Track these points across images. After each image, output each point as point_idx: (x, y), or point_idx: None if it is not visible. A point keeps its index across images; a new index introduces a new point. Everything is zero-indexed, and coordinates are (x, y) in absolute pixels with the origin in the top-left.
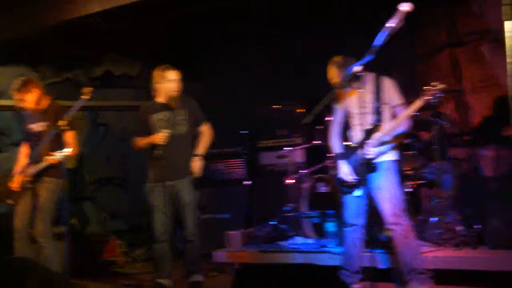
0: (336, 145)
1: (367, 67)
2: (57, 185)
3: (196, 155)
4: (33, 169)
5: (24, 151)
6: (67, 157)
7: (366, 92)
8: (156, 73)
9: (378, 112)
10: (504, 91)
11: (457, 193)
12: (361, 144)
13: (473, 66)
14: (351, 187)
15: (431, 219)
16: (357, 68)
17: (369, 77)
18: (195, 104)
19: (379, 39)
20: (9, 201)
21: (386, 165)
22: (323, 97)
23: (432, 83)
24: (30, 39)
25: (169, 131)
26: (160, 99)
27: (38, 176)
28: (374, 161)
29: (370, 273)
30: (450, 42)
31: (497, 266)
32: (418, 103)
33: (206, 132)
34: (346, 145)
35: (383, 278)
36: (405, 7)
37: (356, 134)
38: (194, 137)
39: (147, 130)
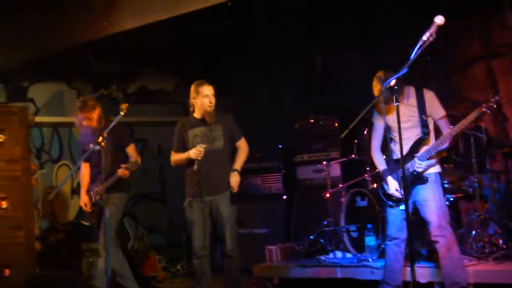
0: (379, 160)
1: (406, 81)
2: (123, 199)
3: (234, 170)
4: (106, 185)
5: (85, 171)
6: (137, 167)
7: (409, 105)
8: (192, 88)
9: (424, 125)
10: None
11: (497, 206)
12: (408, 157)
13: (509, 77)
14: (398, 201)
15: (472, 232)
16: (393, 81)
17: (411, 91)
18: (231, 119)
19: (414, 52)
20: (85, 223)
21: (432, 177)
22: (359, 111)
23: (488, 96)
24: (65, 55)
25: (206, 146)
26: (197, 114)
27: (106, 192)
28: (423, 173)
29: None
30: (485, 54)
31: None
32: (472, 115)
33: (242, 147)
34: (391, 159)
35: None
36: (439, 20)
37: (398, 149)
38: (231, 152)
39: (184, 145)
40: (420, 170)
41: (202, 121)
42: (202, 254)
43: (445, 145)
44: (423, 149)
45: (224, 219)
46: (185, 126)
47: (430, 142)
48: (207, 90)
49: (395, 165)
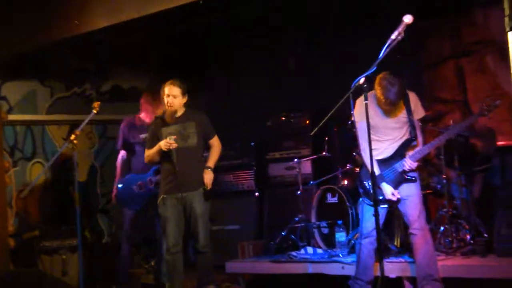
0: (368, 160)
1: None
2: None
3: (208, 168)
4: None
5: (124, 161)
6: None
7: (396, 108)
8: (161, 87)
9: (412, 125)
10: (509, 100)
11: (465, 202)
12: (397, 157)
13: (478, 76)
14: (385, 202)
15: (440, 228)
16: (360, 80)
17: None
18: (204, 118)
19: (383, 51)
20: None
21: (415, 176)
22: (330, 109)
23: (487, 100)
24: (38, 54)
25: (175, 137)
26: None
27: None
28: (410, 172)
29: (381, 282)
30: (455, 53)
31: (505, 274)
32: (471, 119)
33: (215, 145)
34: (379, 159)
35: (396, 285)
36: (407, 19)
37: (385, 148)
38: (204, 150)
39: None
40: (408, 169)
41: (176, 120)
42: (175, 251)
43: (435, 145)
44: (416, 149)
45: (197, 215)
46: (158, 124)
47: (420, 145)
48: (167, 90)
49: (385, 165)
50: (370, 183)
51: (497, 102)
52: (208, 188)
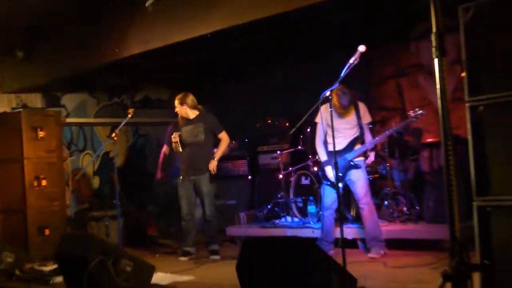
0: (322, 152)
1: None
2: None
3: (213, 158)
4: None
5: (165, 152)
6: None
7: (347, 112)
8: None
9: (360, 127)
10: (434, 108)
11: (402, 183)
12: (347, 150)
13: (412, 91)
14: (334, 183)
15: (385, 202)
16: (328, 92)
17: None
18: (212, 118)
19: (343, 71)
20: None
21: (361, 164)
22: (304, 114)
23: (414, 109)
24: (88, 73)
25: (180, 133)
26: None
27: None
28: (355, 162)
29: (341, 242)
30: (395, 74)
31: (431, 235)
32: (403, 124)
33: (223, 138)
34: (331, 151)
35: (350, 246)
36: (361, 48)
37: (339, 143)
38: (215, 143)
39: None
40: (353, 159)
41: (189, 122)
42: (188, 219)
43: (376, 143)
44: (358, 146)
45: (204, 193)
46: (177, 126)
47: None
48: (175, 101)
49: (331, 154)
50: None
51: (422, 112)
52: (213, 173)
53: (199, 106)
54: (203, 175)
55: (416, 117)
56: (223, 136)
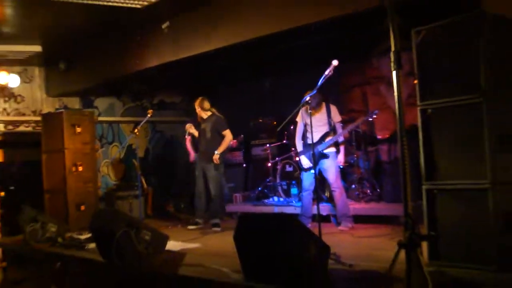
0: (299, 145)
1: (320, 98)
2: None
3: (216, 152)
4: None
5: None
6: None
7: (322, 113)
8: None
9: (330, 124)
10: (393, 112)
11: (366, 170)
12: (318, 143)
13: (375, 97)
14: (309, 169)
15: (352, 185)
16: (308, 98)
17: (324, 105)
18: (219, 119)
19: (320, 81)
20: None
21: (332, 154)
22: (287, 115)
23: (369, 112)
24: (115, 81)
25: (190, 125)
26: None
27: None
28: (326, 152)
29: (317, 218)
30: (361, 83)
31: (389, 212)
32: (359, 121)
33: (226, 136)
34: (307, 144)
35: (324, 221)
36: (335, 62)
37: (314, 137)
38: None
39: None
40: (324, 150)
41: (203, 121)
42: (199, 196)
43: (341, 138)
44: (328, 138)
45: (209, 178)
46: (197, 123)
47: (332, 135)
48: (195, 104)
49: (309, 147)
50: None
51: (376, 111)
52: (216, 163)
53: (212, 109)
54: (209, 164)
55: (371, 117)
56: (227, 133)
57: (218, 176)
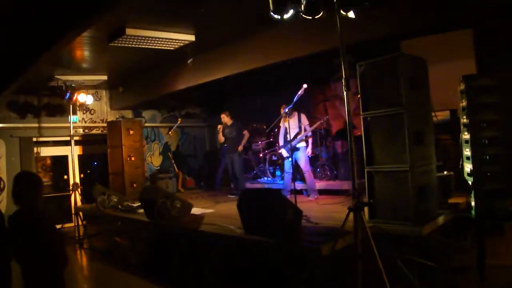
0: (281, 141)
1: (294, 109)
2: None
3: (238, 146)
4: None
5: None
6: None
7: (295, 119)
8: (222, 114)
9: (300, 127)
10: (344, 119)
11: (327, 158)
12: (292, 140)
13: (333, 109)
14: (286, 158)
15: (317, 169)
16: (287, 110)
17: (296, 113)
18: (238, 124)
19: (294, 99)
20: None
21: (301, 148)
22: (273, 121)
23: (323, 117)
24: (155, 99)
25: (220, 127)
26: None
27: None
28: (298, 146)
29: (294, 191)
30: (323, 99)
31: (343, 187)
32: (316, 124)
33: (245, 135)
34: (287, 140)
35: (298, 193)
36: (305, 85)
37: (290, 136)
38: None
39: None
40: (296, 145)
41: (228, 126)
42: (231, 175)
43: (306, 135)
44: (299, 136)
45: (235, 163)
46: (223, 127)
47: (301, 134)
48: (222, 115)
49: (287, 143)
50: (282, 151)
51: (326, 117)
52: (239, 151)
53: (232, 118)
54: (234, 154)
55: (324, 122)
56: (245, 133)
57: (241, 162)
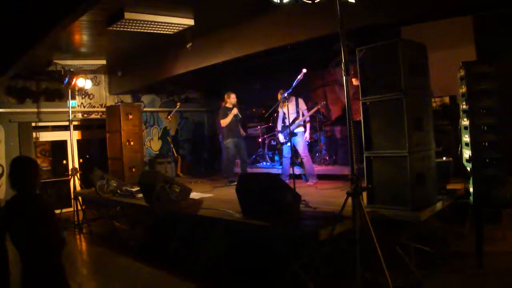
0: (279, 126)
1: (292, 94)
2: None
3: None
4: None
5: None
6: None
7: (293, 104)
8: (226, 95)
9: (298, 112)
10: (343, 104)
11: (326, 143)
12: (290, 125)
13: (332, 94)
14: (286, 143)
15: (316, 154)
16: (286, 94)
17: (293, 98)
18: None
19: (294, 83)
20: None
21: (299, 133)
22: (272, 105)
23: (319, 103)
24: (154, 83)
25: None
26: (228, 104)
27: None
28: (296, 131)
29: (292, 176)
30: (323, 84)
31: (342, 172)
32: (314, 109)
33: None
34: (285, 125)
35: (297, 178)
36: (304, 70)
37: (289, 121)
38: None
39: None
40: (294, 130)
41: (233, 107)
42: (232, 159)
43: (304, 120)
44: (297, 121)
45: (241, 147)
46: (225, 109)
47: (299, 119)
48: (230, 95)
49: (285, 127)
50: (279, 136)
51: (324, 103)
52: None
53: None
54: (239, 138)
55: (322, 107)
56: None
57: (245, 146)
